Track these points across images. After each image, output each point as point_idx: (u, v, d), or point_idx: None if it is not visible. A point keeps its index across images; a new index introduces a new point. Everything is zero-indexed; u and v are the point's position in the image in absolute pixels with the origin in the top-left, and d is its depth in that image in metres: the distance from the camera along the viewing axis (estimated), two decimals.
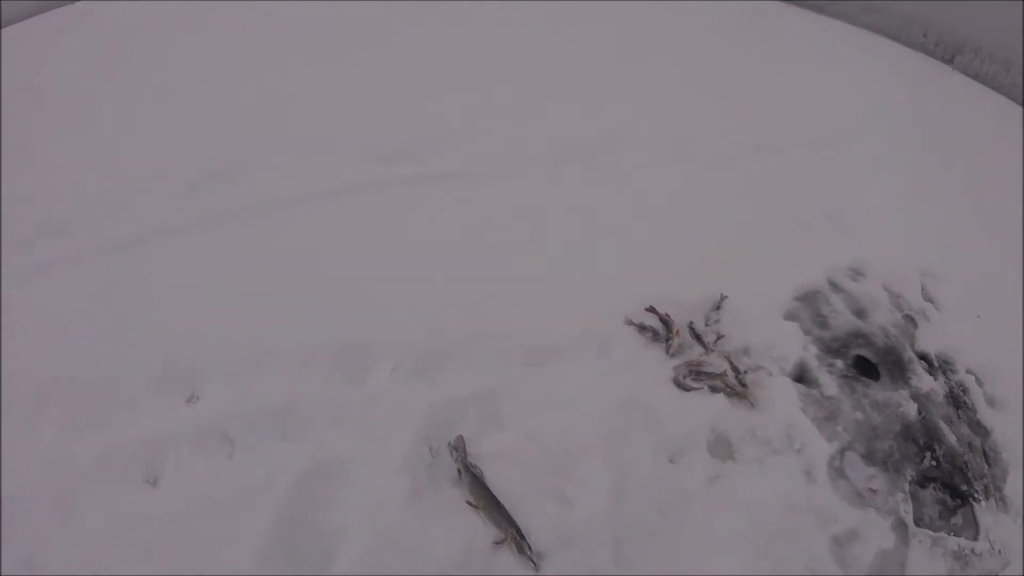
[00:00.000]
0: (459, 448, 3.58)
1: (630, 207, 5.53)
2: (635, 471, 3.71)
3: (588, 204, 5.46)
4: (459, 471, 3.51)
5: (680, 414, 4.02)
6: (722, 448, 3.99)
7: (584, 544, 3.37)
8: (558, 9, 9.19)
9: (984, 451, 4.93)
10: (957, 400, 5.27)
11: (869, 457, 4.34)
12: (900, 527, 4.08)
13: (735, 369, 4.38)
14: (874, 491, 4.14)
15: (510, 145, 5.98)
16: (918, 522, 4.17)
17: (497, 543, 3.28)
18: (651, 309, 4.59)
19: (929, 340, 5.66)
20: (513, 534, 3.27)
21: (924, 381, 5.18)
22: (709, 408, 4.10)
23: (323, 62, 7.25)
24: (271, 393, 3.80)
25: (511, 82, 7.16)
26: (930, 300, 6.19)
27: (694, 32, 9.79)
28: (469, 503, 3.40)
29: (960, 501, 4.44)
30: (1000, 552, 4.24)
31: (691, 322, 4.61)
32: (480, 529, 3.34)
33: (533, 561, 3.22)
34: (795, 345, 4.77)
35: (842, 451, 4.26)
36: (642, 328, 4.50)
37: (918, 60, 10.00)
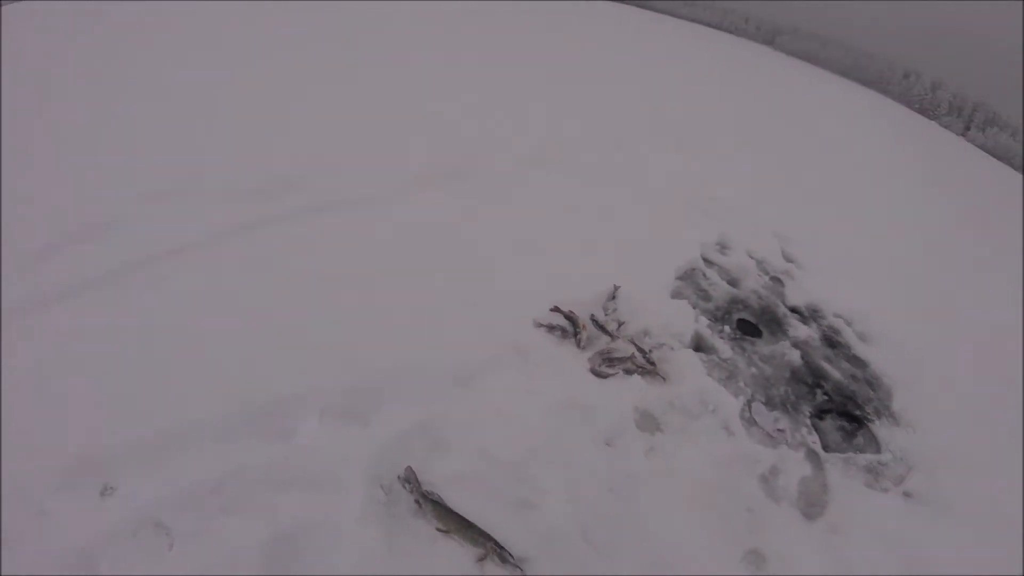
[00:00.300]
0: (411, 480, 3.59)
1: (515, 219, 5.83)
2: (580, 462, 3.90)
3: (473, 220, 5.69)
4: (417, 502, 3.52)
5: (605, 401, 4.27)
6: (649, 423, 4.28)
7: (559, 540, 3.50)
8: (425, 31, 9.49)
9: (866, 379, 5.55)
10: (832, 341, 5.94)
11: (770, 403, 4.80)
12: (812, 456, 4.52)
13: (641, 350, 4.71)
14: (782, 431, 4.57)
15: (387, 167, 6.05)
16: (826, 448, 4.65)
17: (480, 560, 3.34)
18: (556, 309, 4.86)
19: (797, 295, 6.35)
20: (492, 547, 3.34)
21: (800, 331, 5.82)
22: (629, 390, 4.39)
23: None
24: (195, 471, 3.41)
25: (379, 103, 7.31)
26: (791, 261, 6.97)
27: (538, 34, 10.45)
28: (440, 530, 3.41)
29: (857, 424, 4.98)
30: (902, 459, 4.80)
31: (592, 315, 4.93)
32: (459, 551, 3.37)
33: (518, 567, 3.31)
34: (687, 319, 5.22)
35: (748, 403, 4.69)
36: (551, 328, 4.75)
37: (741, 45, 11.26)
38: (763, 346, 5.40)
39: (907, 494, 4.55)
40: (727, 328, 5.42)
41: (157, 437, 3.60)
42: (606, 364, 4.57)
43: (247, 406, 3.76)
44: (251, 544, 3.20)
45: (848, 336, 6.07)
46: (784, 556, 3.83)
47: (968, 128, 43.77)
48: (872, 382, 5.57)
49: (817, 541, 4.01)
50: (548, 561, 3.40)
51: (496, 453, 3.82)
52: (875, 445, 4.89)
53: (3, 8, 8.32)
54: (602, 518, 3.66)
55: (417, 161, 6.29)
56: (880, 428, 5.05)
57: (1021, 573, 4.20)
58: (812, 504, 4.23)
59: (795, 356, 5.39)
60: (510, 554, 3.33)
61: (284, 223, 5.07)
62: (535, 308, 4.84)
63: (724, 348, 5.13)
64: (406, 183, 5.92)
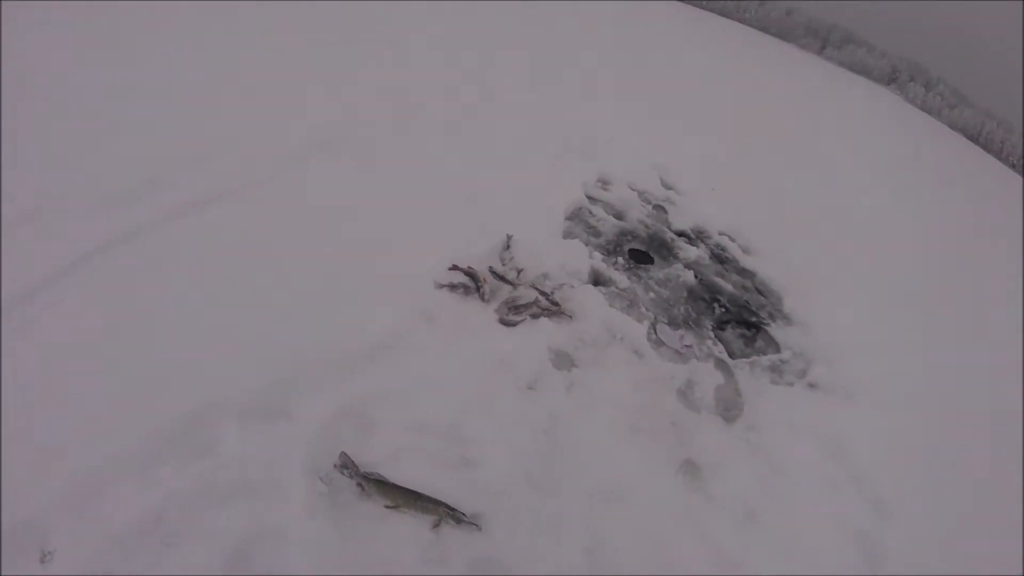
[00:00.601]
0: (348, 465, 3.37)
1: (396, 186, 5.59)
2: (509, 411, 3.83)
3: (354, 192, 5.40)
4: (359, 485, 3.32)
5: (519, 348, 4.21)
6: (564, 361, 4.26)
7: (506, 491, 3.43)
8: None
9: (756, 288, 5.81)
10: (721, 258, 6.16)
11: (673, 323, 4.91)
12: (721, 364, 4.68)
13: (543, 293, 4.67)
14: (689, 346, 4.69)
15: (258, 153, 5.60)
16: (732, 356, 4.83)
17: (435, 527, 3.22)
18: (454, 267, 4.72)
19: (681, 219, 6.54)
20: (444, 511, 3.23)
21: (690, 252, 5.99)
22: (539, 333, 4.36)
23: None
24: (129, 509, 3.04)
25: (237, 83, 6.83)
26: (670, 188, 7.16)
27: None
28: (388, 507, 3.25)
29: (755, 330, 5.20)
30: (801, 354, 5.07)
31: (490, 267, 4.83)
32: (411, 523, 3.22)
33: (474, 523, 3.23)
34: (582, 257, 5.24)
35: (652, 326, 4.77)
36: (453, 287, 4.61)
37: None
38: (657, 271, 5.51)
39: (811, 385, 4.82)
40: (620, 260, 5.49)
41: (80, 483, 3.14)
42: (513, 312, 4.50)
43: (161, 428, 3.35)
44: (213, 565, 2.93)
45: (734, 251, 6.34)
46: (715, 460, 3.96)
47: (824, 47, 47.43)
48: (762, 289, 5.85)
49: (740, 440, 4.18)
50: (500, 513, 3.33)
51: (426, 420, 3.66)
52: (774, 346, 5.14)
53: None
54: (542, 460, 3.62)
55: (288, 142, 5.88)
56: (776, 330, 5.31)
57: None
58: (729, 408, 4.39)
59: (689, 276, 5.54)
60: (463, 514, 3.24)
61: (160, 225, 4.56)
62: (433, 271, 4.67)
63: (621, 279, 5.18)
64: (280, 165, 5.52)
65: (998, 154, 37.01)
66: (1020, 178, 28.63)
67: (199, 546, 2.98)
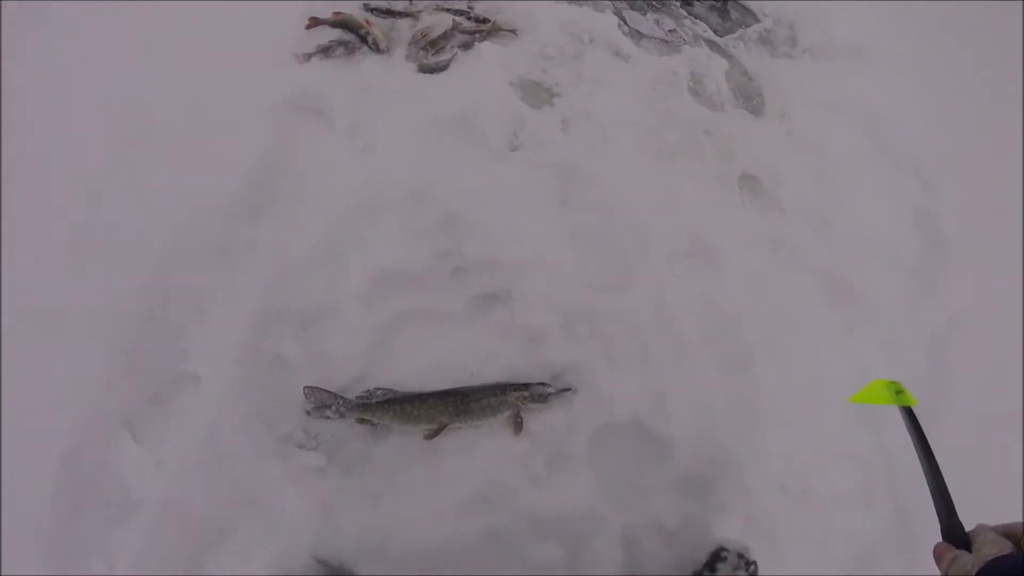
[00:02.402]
0: (327, 403, 2.06)
1: None
2: (499, 192, 2.53)
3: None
4: (362, 420, 2.07)
5: (469, 97, 2.77)
6: (538, 93, 2.95)
7: (564, 312, 2.30)
8: None
9: None
10: None
11: (639, 8, 3.58)
12: (714, 46, 3.57)
13: (459, 12, 3.14)
14: (673, 31, 3.45)
15: None
16: (717, 32, 3.66)
17: (518, 427, 2.05)
18: (314, 22, 3.02)
19: None
20: (517, 397, 2.06)
21: None
22: (485, 69, 2.91)
23: None
24: None
25: None
26: None
27: None
28: (428, 435, 2.04)
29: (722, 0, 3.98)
30: (779, 20, 3.96)
31: (364, 4, 3.14)
32: (475, 438, 2.09)
33: (567, 387, 2.13)
34: None
35: (619, 16, 3.41)
36: (326, 49, 2.96)
37: None
38: None
39: (808, 52, 3.79)
40: None
41: None
42: (432, 51, 2.98)
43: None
44: None
45: None
46: (769, 165, 2.98)
47: None
48: None
49: (778, 132, 3.17)
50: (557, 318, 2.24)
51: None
52: (751, 15, 3.98)
53: None
54: (578, 246, 2.48)
55: None
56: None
57: None
58: (750, 98, 3.34)
59: None
60: (545, 384, 2.10)
61: None
62: (287, 42, 2.91)
63: None
64: None
65: None
66: None
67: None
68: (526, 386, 2.07)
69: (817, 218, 2.91)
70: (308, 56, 2.94)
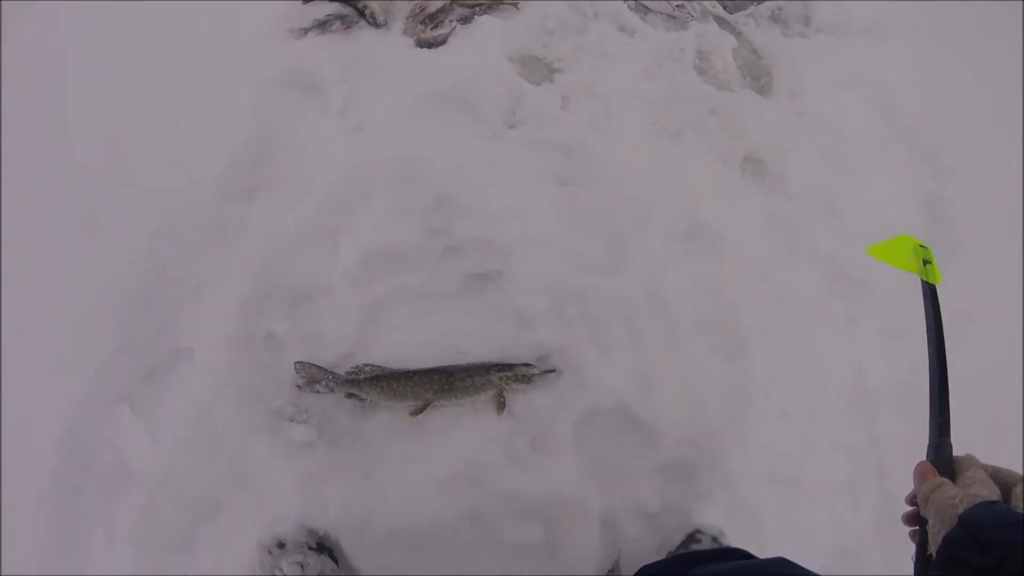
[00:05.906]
0: (317, 377, 2.09)
1: None
2: (497, 171, 2.50)
3: None
4: (351, 395, 2.08)
5: (467, 72, 2.72)
6: (538, 68, 2.88)
7: (556, 291, 2.28)
8: None
9: None
10: None
11: None
12: (723, 23, 3.41)
13: None
14: (680, 5, 3.34)
15: None
16: (727, 8, 3.55)
17: (501, 406, 2.06)
18: None
19: None
20: (502, 377, 2.05)
21: None
22: (484, 42, 2.86)
23: None
24: None
25: None
26: None
27: None
28: (415, 412, 2.04)
29: None
30: None
31: None
32: (458, 416, 2.10)
33: (550, 369, 2.12)
34: None
35: None
36: (323, 24, 2.93)
37: None
38: None
39: (822, 31, 3.64)
40: None
41: None
42: (431, 26, 2.93)
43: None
44: None
45: None
46: (773, 142, 2.91)
47: None
48: None
49: (787, 111, 3.08)
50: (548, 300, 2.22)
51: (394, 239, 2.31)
52: None
53: None
54: (578, 225, 2.45)
55: None
56: None
57: None
58: (757, 77, 3.23)
59: None
60: (529, 365, 2.10)
61: None
62: (281, 17, 2.87)
63: None
64: None
65: None
66: None
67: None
68: (511, 366, 2.06)
69: (822, 202, 2.85)
70: (304, 31, 2.91)
